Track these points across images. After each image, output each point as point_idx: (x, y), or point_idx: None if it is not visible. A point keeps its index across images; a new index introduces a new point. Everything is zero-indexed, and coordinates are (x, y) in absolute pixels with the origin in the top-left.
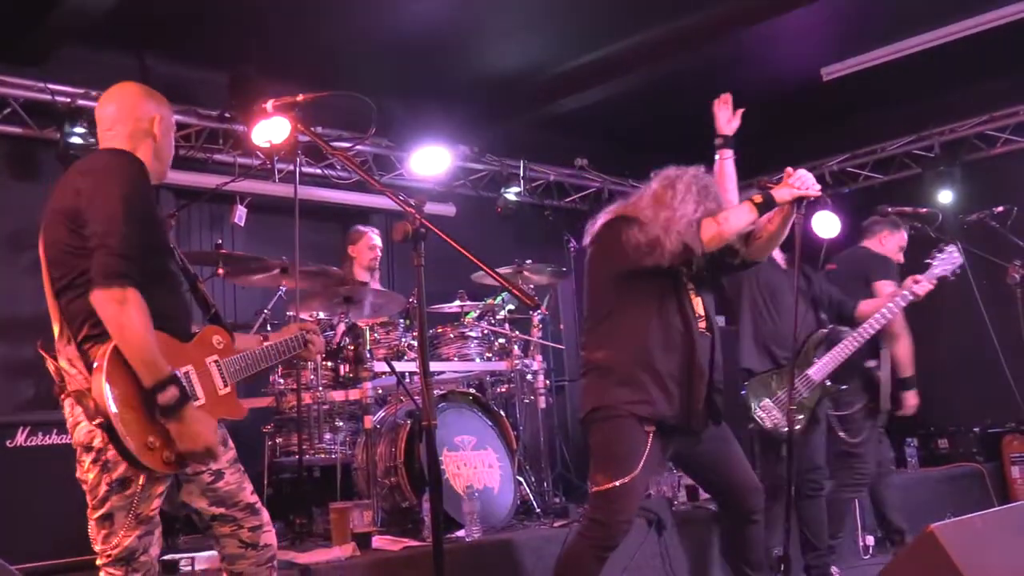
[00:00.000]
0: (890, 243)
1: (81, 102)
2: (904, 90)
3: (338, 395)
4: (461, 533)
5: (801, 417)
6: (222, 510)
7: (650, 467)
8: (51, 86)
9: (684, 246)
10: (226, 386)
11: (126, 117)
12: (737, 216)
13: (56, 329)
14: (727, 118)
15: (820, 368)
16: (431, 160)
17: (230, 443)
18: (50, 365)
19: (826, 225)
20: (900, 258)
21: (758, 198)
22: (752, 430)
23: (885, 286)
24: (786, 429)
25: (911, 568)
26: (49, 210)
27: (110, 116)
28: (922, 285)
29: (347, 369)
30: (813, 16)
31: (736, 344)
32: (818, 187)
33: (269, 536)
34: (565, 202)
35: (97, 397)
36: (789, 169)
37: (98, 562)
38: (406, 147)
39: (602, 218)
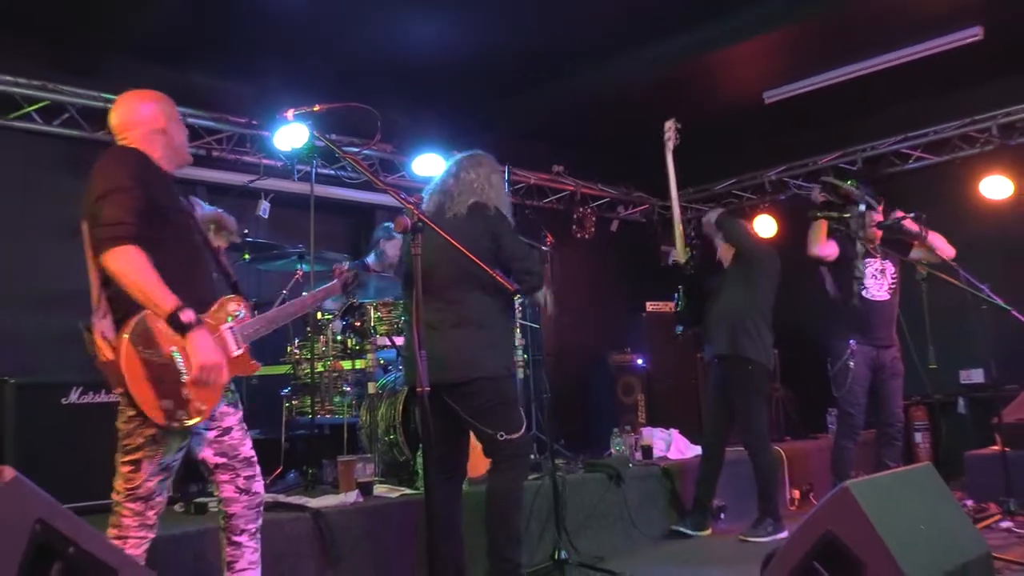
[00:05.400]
0: None
1: None
2: (834, 112)
3: (346, 364)
4: None
5: None
6: (224, 460)
7: None
8: (103, 95)
9: None
10: (239, 348)
11: (133, 123)
12: None
13: (95, 306)
14: None
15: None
16: (429, 164)
17: (240, 406)
18: (87, 337)
19: (765, 227)
20: None
21: None
22: None
23: None
24: None
25: (829, 518)
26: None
27: (117, 124)
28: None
29: (354, 342)
30: (758, 47)
31: None
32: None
33: (259, 485)
34: (544, 203)
35: (119, 369)
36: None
37: (117, 498)
38: (407, 152)
39: None
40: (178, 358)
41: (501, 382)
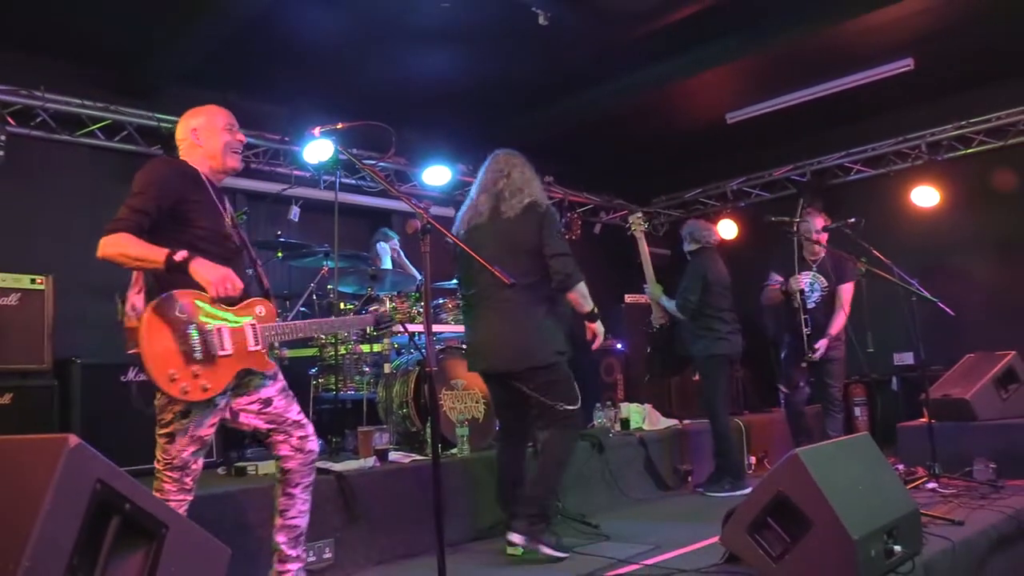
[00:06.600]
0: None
1: None
2: (787, 131)
3: (365, 348)
4: (454, 451)
5: None
6: (274, 425)
7: None
8: (157, 115)
9: None
10: (257, 344)
11: (178, 139)
12: None
13: (132, 282)
14: None
15: None
16: (437, 174)
17: (280, 377)
18: (119, 308)
19: (726, 230)
20: None
21: None
22: None
23: None
24: None
25: (781, 480)
26: None
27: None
28: None
29: (372, 328)
30: (721, 75)
31: None
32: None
33: (312, 443)
34: None
35: (139, 334)
36: None
37: (158, 467)
38: (418, 164)
39: None
40: (195, 335)
41: (554, 366)
